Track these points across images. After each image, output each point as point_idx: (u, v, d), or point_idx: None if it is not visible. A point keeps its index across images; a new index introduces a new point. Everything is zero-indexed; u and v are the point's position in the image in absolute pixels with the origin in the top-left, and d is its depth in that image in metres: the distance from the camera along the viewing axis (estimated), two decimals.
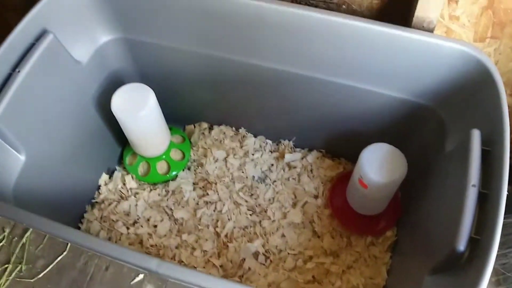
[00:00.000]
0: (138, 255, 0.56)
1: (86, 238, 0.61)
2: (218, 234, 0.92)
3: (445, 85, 0.73)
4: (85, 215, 0.96)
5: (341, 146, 0.97)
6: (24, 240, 0.97)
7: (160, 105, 0.90)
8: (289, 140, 1.02)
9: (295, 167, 0.99)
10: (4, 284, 0.92)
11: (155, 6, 0.81)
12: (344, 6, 0.83)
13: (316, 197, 0.95)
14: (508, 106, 0.89)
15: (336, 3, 0.83)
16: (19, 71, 0.73)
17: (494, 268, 0.88)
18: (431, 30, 0.72)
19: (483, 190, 0.59)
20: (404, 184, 0.81)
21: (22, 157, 0.75)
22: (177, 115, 1.03)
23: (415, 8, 0.70)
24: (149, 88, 0.87)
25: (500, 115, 0.62)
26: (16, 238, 0.98)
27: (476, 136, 0.63)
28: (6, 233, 0.98)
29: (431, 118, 0.77)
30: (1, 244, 0.97)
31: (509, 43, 0.79)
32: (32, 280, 0.92)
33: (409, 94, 0.78)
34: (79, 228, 0.94)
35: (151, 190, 0.98)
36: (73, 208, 0.94)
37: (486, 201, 0.59)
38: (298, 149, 1.02)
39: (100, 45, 0.87)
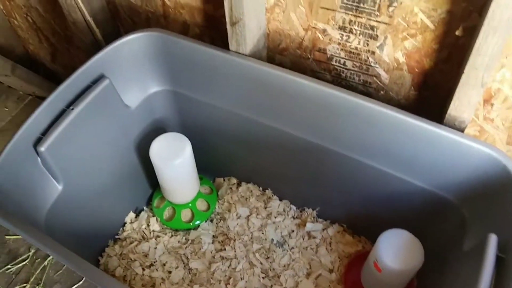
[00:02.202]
0: None
1: (100, 277, 0.64)
2: None
3: (470, 183, 0.74)
4: (106, 249, 0.99)
5: (363, 224, 0.98)
6: (46, 263, 1.01)
7: (194, 154, 0.94)
8: (313, 209, 1.04)
9: (314, 237, 1.00)
10: None
11: (204, 68, 0.87)
12: (382, 92, 0.86)
13: (331, 271, 0.95)
14: None
15: (375, 88, 0.86)
16: (72, 109, 0.80)
17: None
18: (462, 130, 0.74)
19: None
20: (420, 272, 0.81)
21: (59, 187, 0.81)
22: (209, 166, 1.07)
23: (449, 106, 0.73)
24: (186, 139, 0.92)
25: None
26: (39, 259, 1.02)
27: (493, 241, 0.63)
28: (31, 253, 1.03)
29: (453, 213, 0.78)
30: (25, 263, 1.02)
31: None
32: None
33: (434, 186, 0.79)
34: (98, 261, 0.98)
35: (172, 235, 1.01)
36: (97, 241, 0.98)
37: None
38: (320, 220, 1.03)
39: (149, 94, 0.94)
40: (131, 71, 0.89)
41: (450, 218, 0.79)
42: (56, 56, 1.30)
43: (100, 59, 0.84)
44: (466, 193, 0.76)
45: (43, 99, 1.31)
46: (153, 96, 0.94)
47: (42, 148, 0.76)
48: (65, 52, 1.26)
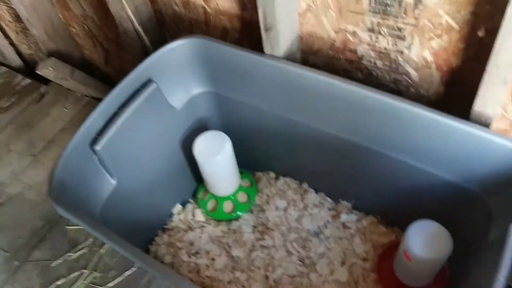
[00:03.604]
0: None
1: (151, 262, 0.72)
2: (267, 277, 1.00)
3: (496, 177, 0.77)
4: (156, 238, 1.09)
5: (395, 216, 1.02)
6: (103, 250, 1.12)
7: (235, 151, 1.02)
8: (347, 201, 1.09)
9: (349, 228, 1.05)
10: (79, 287, 1.07)
11: (243, 70, 0.93)
12: (412, 89, 0.90)
13: (364, 260, 1.00)
14: None
15: (405, 86, 0.90)
16: (124, 110, 0.89)
17: None
18: (487, 125, 0.77)
19: None
20: (452, 259, 0.84)
21: (113, 182, 0.90)
22: (249, 162, 1.14)
23: (475, 103, 0.76)
24: (226, 136, 0.99)
25: None
26: (96, 248, 1.13)
27: None
28: (89, 242, 1.14)
29: (479, 205, 0.81)
30: (83, 251, 1.13)
31: None
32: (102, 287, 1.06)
33: (461, 179, 0.82)
34: (148, 249, 1.07)
35: (215, 225, 1.09)
36: (147, 231, 1.08)
37: None
38: (355, 211, 1.08)
39: (193, 96, 1.02)
40: (175, 75, 0.97)
41: (477, 210, 0.82)
42: (109, 60, 1.41)
43: (148, 65, 0.92)
44: (492, 186, 0.78)
45: (98, 100, 1.43)
46: (196, 97, 1.02)
47: (98, 147, 0.85)
48: (116, 57, 1.37)
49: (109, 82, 1.48)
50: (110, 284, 1.06)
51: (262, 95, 0.96)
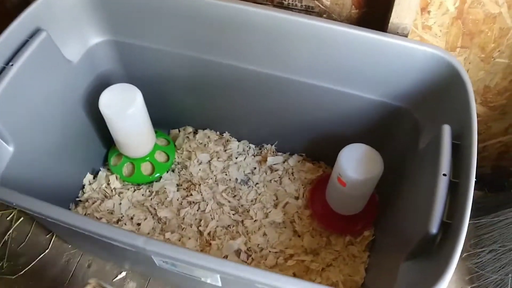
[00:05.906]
0: (127, 233, 0.58)
1: (81, 219, 0.63)
2: (201, 233, 0.94)
3: (419, 86, 0.78)
4: None
5: (321, 150, 1.01)
6: (6, 237, 0.97)
7: (146, 108, 0.93)
8: (271, 145, 1.06)
9: (277, 170, 1.02)
10: None
11: (143, 10, 0.84)
12: (324, 16, 0.88)
13: (296, 198, 0.98)
14: (479, 114, 0.95)
15: (317, 12, 0.88)
16: (12, 65, 0.76)
17: (467, 267, 0.92)
18: (405, 36, 0.77)
19: (454, 179, 0.63)
20: (381, 185, 0.85)
21: (10, 148, 0.77)
22: (163, 119, 1.06)
23: (391, 14, 0.76)
24: (136, 88, 0.90)
25: (469, 111, 0.67)
26: None
27: (446, 131, 0.67)
28: None
29: (405, 119, 0.82)
30: None
31: (478, 53, 0.85)
32: (13, 277, 0.92)
33: (385, 97, 0.83)
34: None
35: (135, 190, 1.00)
36: (57, 204, 0.95)
37: (457, 189, 0.63)
38: (280, 153, 1.06)
39: (90, 46, 0.90)
40: (68, 22, 0.85)
41: (403, 124, 0.83)
42: None
43: (34, 11, 0.79)
44: (415, 96, 0.80)
45: None
46: (95, 48, 0.91)
47: None
48: None
49: None
50: (22, 272, 0.92)
51: (168, 35, 0.87)
